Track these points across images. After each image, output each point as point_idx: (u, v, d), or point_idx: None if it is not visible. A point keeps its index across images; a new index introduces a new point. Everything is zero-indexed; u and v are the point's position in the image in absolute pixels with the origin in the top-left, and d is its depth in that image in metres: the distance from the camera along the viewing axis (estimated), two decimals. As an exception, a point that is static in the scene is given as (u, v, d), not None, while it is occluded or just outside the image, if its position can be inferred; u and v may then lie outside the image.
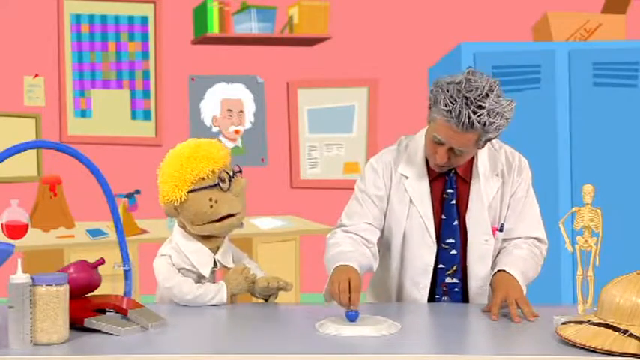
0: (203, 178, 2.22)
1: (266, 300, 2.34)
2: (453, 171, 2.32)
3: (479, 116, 2.09)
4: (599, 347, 1.65)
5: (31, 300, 1.75)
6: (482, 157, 2.34)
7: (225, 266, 2.36)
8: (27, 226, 4.02)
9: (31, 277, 1.76)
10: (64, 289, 1.80)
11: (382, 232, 2.37)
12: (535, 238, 2.36)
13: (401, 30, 5.49)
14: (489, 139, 2.20)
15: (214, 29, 5.38)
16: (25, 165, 5.16)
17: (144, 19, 5.55)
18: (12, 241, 3.28)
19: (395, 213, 2.35)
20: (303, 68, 5.54)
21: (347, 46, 5.51)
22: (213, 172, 2.23)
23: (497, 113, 2.11)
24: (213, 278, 2.35)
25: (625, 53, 3.90)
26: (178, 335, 1.92)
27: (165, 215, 2.33)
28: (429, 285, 2.34)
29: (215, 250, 2.34)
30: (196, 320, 2.09)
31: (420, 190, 2.33)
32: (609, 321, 1.69)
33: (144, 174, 5.15)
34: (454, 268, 2.34)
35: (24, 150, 2.02)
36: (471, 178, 2.34)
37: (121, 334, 1.85)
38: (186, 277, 2.28)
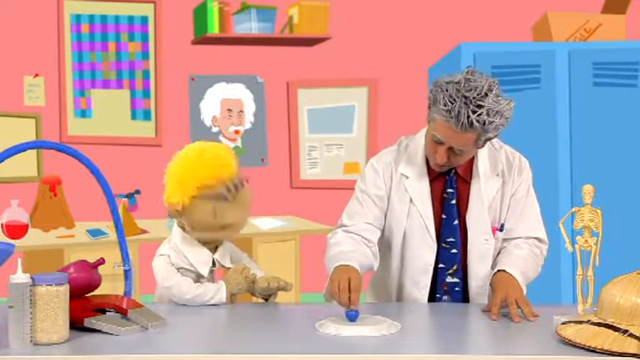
0: (208, 186, 2.21)
1: (266, 300, 2.34)
2: (453, 170, 2.32)
3: (478, 115, 2.09)
4: (599, 347, 1.65)
5: (31, 300, 1.75)
6: (483, 156, 2.34)
7: (223, 266, 2.36)
8: (27, 226, 4.02)
9: (31, 277, 1.76)
10: (64, 289, 1.80)
11: (382, 231, 2.37)
12: (535, 238, 2.36)
13: (401, 30, 5.49)
14: (489, 139, 2.20)
15: (214, 29, 5.38)
16: (25, 165, 5.16)
17: (144, 19, 5.55)
18: (12, 241, 3.28)
19: (395, 213, 2.35)
20: (303, 68, 5.54)
21: (347, 46, 5.51)
22: (218, 180, 2.22)
23: (497, 112, 2.12)
24: (212, 278, 2.36)
25: (625, 53, 3.90)
26: (178, 335, 1.92)
27: (167, 215, 2.33)
28: (429, 284, 2.34)
29: (214, 250, 2.34)
30: (196, 320, 2.09)
31: (420, 190, 2.33)
32: (609, 321, 1.69)
33: (144, 174, 5.18)
34: (454, 268, 2.34)
35: (24, 150, 2.02)
36: (471, 178, 2.34)
37: (121, 334, 1.85)
38: (185, 276, 2.28)
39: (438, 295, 2.36)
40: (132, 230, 4.32)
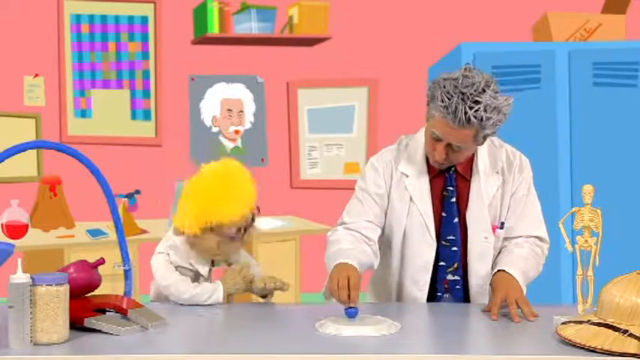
0: (221, 225, 2.23)
1: (264, 298, 2.34)
2: (452, 168, 2.33)
3: (475, 111, 2.10)
4: (599, 347, 1.65)
5: (31, 300, 1.75)
6: (483, 154, 2.34)
7: (223, 266, 2.36)
8: (27, 226, 4.03)
9: (31, 277, 1.76)
10: (64, 289, 1.80)
11: (383, 230, 2.38)
12: (536, 237, 2.36)
13: (401, 30, 5.49)
14: (487, 135, 2.20)
15: (214, 29, 5.37)
16: (25, 165, 5.15)
17: (144, 19, 5.55)
18: (12, 241, 3.28)
19: (395, 211, 2.35)
20: (303, 68, 5.54)
21: (347, 46, 5.51)
22: (232, 222, 2.24)
23: (494, 108, 2.12)
24: (211, 277, 2.36)
25: (625, 53, 3.90)
26: (178, 335, 1.92)
27: (172, 232, 2.34)
28: (428, 283, 2.35)
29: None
30: (196, 320, 2.09)
31: (420, 188, 2.33)
32: (609, 321, 1.69)
33: (144, 174, 5.19)
34: (455, 266, 2.34)
35: (24, 150, 2.02)
36: (471, 176, 2.34)
37: (121, 334, 1.85)
38: (183, 275, 2.29)
39: (439, 294, 2.37)
40: (132, 230, 4.32)
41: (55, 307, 1.77)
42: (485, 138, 2.22)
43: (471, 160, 2.34)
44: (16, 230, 3.96)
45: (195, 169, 2.35)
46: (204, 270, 2.31)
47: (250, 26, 5.39)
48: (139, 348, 1.77)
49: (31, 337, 1.75)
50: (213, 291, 2.25)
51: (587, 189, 1.92)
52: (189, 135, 5.42)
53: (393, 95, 5.45)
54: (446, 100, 2.11)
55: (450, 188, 2.33)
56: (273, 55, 5.55)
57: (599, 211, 1.92)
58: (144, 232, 4.47)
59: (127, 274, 2.21)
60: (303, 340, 1.84)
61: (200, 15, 5.43)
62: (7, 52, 5.34)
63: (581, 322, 1.75)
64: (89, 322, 1.88)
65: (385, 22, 5.51)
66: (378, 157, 2.41)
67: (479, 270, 2.33)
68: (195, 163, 5.11)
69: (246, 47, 5.51)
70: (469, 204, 2.33)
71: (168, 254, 2.30)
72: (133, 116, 5.52)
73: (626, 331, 1.66)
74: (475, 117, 2.10)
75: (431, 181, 2.34)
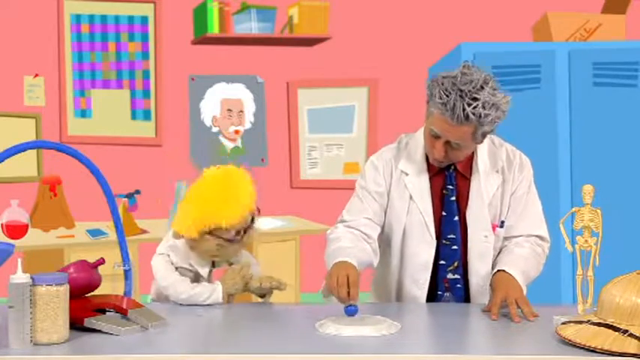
0: (220, 229, 2.22)
1: (262, 297, 2.34)
2: (452, 167, 2.33)
3: (473, 108, 2.10)
4: (599, 347, 1.65)
5: (31, 300, 1.75)
6: (482, 153, 2.35)
7: (224, 266, 2.36)
8: (27, 226, 4.02)
9: (31, 277, 1.76)
10: (64, 289, 1.80)
11: (382, 228, 2.38)
12: (537, 236, 2.36)
13: (401, 30, 5.49)
14: (486, 133, 2.20)
15: (214, 29, 5.37)
16: (25, 165, 5.15)
17: (144, 19, 5.55)
18: (12, 241, 3.28)
19: (395, 209, 2.36)
20: (303, 68, 5.54)
21: (347, 46, 5.51)
22: (231, 226, 2.23)
23: (492, 105, 2.13)
24: (211, 278, 2.36)
25: (625, 53, 3.90)
26: (178, 335, 1.92)
27: (172, 236, 2.34)
28: (428, 281, 2.35)
29: (214, 251, 2.35)
30: (196, 320, 2.09)
31: (420, 187, 2.34)
32: (609, 321, 1.69)
33: (144, 174, 5.19)
34: (455, 265, 2.34)
35: (24, 150, 2.02)
36: (471, 175, 2.34)
37: (121, 334, 1.85)
38: (183, 275, 2.29)
39: (439, 292, 2.37)
40: (132, 230, 4.32)
41: (55, 307, 1.77)
42: (484, 136, 2.22)
43: (470, 159, 2.34)
44: (16, 230, 3.96)
45: (196, 170, 2.35)
46: (204, 271, 2.31)
47: (250, 26, 5.39)
48: (139, 348, 1.77)
49: (31, 337, 1.75)
50: (212, 291, 2.25)
51: (587, 189, 1.92)
52: (189, 135, 5.42)
53: (393, 95, 5.45)
54: (444, 97, 2.12)
55: (450, 187, 2.33)
56: (273, 55, 5.55)
57: (599, 211, 1.92)
58: (144, 232, 4.47)
59: (127, 274, 2.21)
60: (303, 340, 1.84)
61: (200, 15, 5.44)
62: (7, 52, 5.34)
63: (581, 322, 1.75)
64: (89, 322, 1.88)
65: (385, 22, 5.51)
66: (378, 156, 2.42)
67: (479, 269, 2.34)
68: (195, 163, 5.12)
69: (246, 47, 5.51)
70: (469, 203, 2.33)
71: (169, 255, 2.30)
72: (133, 116, 5.52)
73: (626, 331, 1.66)
74: (473, 114, 2.11)
75: (431, 179, 2.35)
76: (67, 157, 2.12)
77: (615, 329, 1.67)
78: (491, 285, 2.23)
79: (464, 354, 1.77)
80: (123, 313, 1.92)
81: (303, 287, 4.76)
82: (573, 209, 1.95)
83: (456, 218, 2.33)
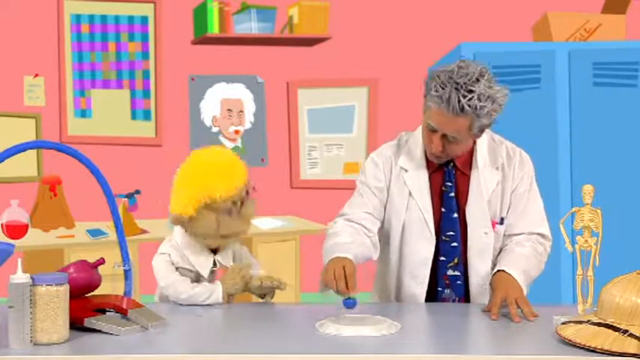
0: (216, 199, 2.21)
1: (262, 298, 2.34)
2: (451, 164, 2.33)
3: (469, 100, 2.12)
4: (599, 347, 1.65)
5: (31, 300, 1.75)
6: (482, 149, 2.35)
7: (225, 267, 2.36)
8: (27, 226, 4.02)
9: (31, 277, 1.76)
10: (64, 289, 1.80)
11: (382, 224, 2.38)
12: (539, 234, 2.36)
13: (401, 30, 5.49)
14: (483, 126, 2.21)
15: (214, 29, 5.37)
16: (25, 165, 5.15)
17: (144, 19, 5.55)
18: (12, 241, 3.28)
19: (394, 206, 2.37)
20: (303, 68, 5.54)
21: (347, 46, 5.50)
22: (227, 194, 2.22)
23: (489, 97, 2.14)
24: (213, 278, 2.35)
25: (625, 53, 3.90)
26: (178, 335, 1.92)
27: (169, 220, 2.34)
28: (427, 278, 2.35)
29: (215, 251, 2.34)
30: (196, 320, 2.09)
31: (419, 183, 2.34)
32: (609, 321, 1.69)
33: (144, 174, 5.19)
34: (455, 261, 2.35)
35: (24, 150, 2.02)
36: (470, 171, 2.35)
37: (121, 334, 1.85)
38: (184, 276, 2.28)
39: (439, 289, 2.37)
40: (132, 230, 4.32)
41: (55, 307, 1.77)
42: (481, 130, 2.22)
43: (470, 155, 2.35)
44: (16, 230, 3.96)
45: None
46: (205, 271, 2.31)
47: (250, 26, 5.39)
48: (139, 348, 1.77)
49: (31, 337, 1.75)
50: (212, 291, 2.25)
51: (587, 189, 1.92)
52: (189, 135, 5.42)
53: (393, 95, 5.45)
54: (440, 89, 2.14)
55: (449, 183, 2.34)
56: (273, 55, 5.55)
57: (599, 211, 1.92)
58: (144, 232, 4.47)
59: (127, 274, 2.21)
60: (303, 340, 1.84)
61: (200, 15, 5.43)
62: (7, 52, 5.34)
63: (581, 322, 1.75)
64: (89, 322, 1.88)
65: (385, 22, 5.51)
66: (378, 153, 2.44)
67: (479, 265, 2.34)
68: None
69: (246, 47, 5.51)
70: (468, 199, 2.34)
71: (170, 255, 2.30)
72: (133, 116, 5.52)
73: (626, 331, 1.66)
74: (469, 105, 2.12)
75: (430, 176, 2.35)
76: (67, 157, 2.12)
77: (615, 329, 1.67)
78: (491, 285, 2.23)
79: (464, 354, 1.77)
80: (123, 313, 1.92)
81: (303, 287, 4.76)
82: (573, 209, 1.95)
83: (455, 215, 2.33)
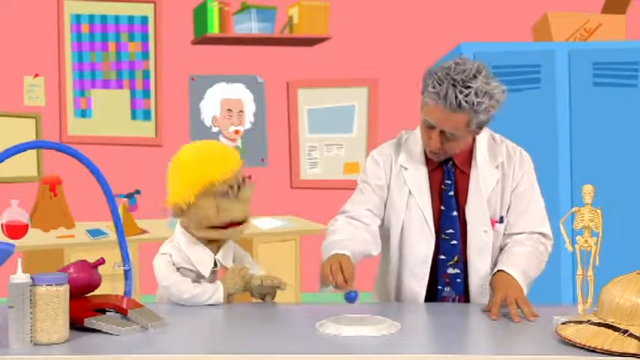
0: (213, 183, 2.22)
1: (263, 299, 2.34)
2: (451, 162, 2.33)
3: (465, 96, 2.12)
4: (599, 347, 1.65)
5: (31, 300, 1.75)
6: (482, 148, 2.35)
7: (225, 267, 2.36)
8: (27, 226, 4.02)
9: (31, 277, 1.76)
10: (64, 289, 1.80)
11: (382, 221, 2.39)
12: (540, 233, 2.36)
13: (401, 30, 5.49)
14: (481, 122, 2.21)
15: (214, 29, 5.38)
16: (25, 165, 5.16)
17: (144, 19, 5.55)
18: (12, 241, 3.28)
19: (394, 204, 2.37)
20: (303, 68, 5.55)
21: (347, 46, 5.51)
22: (223, 177, 2.23)
23: (486, 93, 2.15)
24: (214, 278, 2.35)
25: (625, 53, 3.90)
26: (178, 335, 1.92)
27: (171, 214, 2.33)
28: (427, 276, 2.35)
29: (216, 251, 2.34)
30: (196, 320, 2.09)
31: (419, 181, 2.35)
32: (609, 321, 1.69)
33: (144, 174, 5.19)
34: (455, 259, 2.35)
35: (24, 150, 2.02)
36: (470, 170, 2.35)
37: (121, 334, 1.85)
38: (185, 276, 2.28)
39: (439, 287, 2.37)
40: (132, 230, 4.32)
41: (55, 307, 1.77)
42: (480, 126, 2.23)
43: (469, 154, 2.35)
44: (16, 230, 3.96)
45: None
46: (206, 271, 2.31)
47: (250, 26, 5.39)
48: (139, 348, 1.77)
49: (31, 337, 1.75)
50: (214, 291, 2.25)
51: (587, 189, 1.92)
52: (189, 135, 5.42)
53: (393, 95, 5.46)
54: (437, 86, 2.15)
55: (448, 182, 2.34)
56: (273, 55, 5.55)
57: (599, 211, 1.92)
58: (144, 232, 4.47)
59: (127, 274, 2.21)
60: (303, 340, 1.84)
61: (200, 15, 5.44)
62: (7, 52, 5.35)
63: (581, 322, 1.75)
64: (89, 322, 1.88)
65: (385, 22, 5.52)
66: (378, 151, 2.45)
67: (478, 263, 2.34)
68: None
69: (246, 47, 5.51)
70: (468, 198, 2.34)
71: (171, 255, 2.30)
72: (133, 116, 5.53)
73: (626, 331, 1.66)
74: (466, 101, 2.12)
75: (429, 174, 2.36)
76: (67, 157, 2.12)
77: (615, 329, 1.67)
78: (491, 285, 2.23)
79: (464, 354, 1.77)
80: (123, 313, 1.92)
81: (303, 287, 4.76)
82: (573, 209, 1.95)
83: (455, 213, 2.33)
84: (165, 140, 5.41)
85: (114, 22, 5.53)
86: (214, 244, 2.33)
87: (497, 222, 2.35)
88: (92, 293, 2.00)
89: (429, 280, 2.36)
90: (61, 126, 5.42)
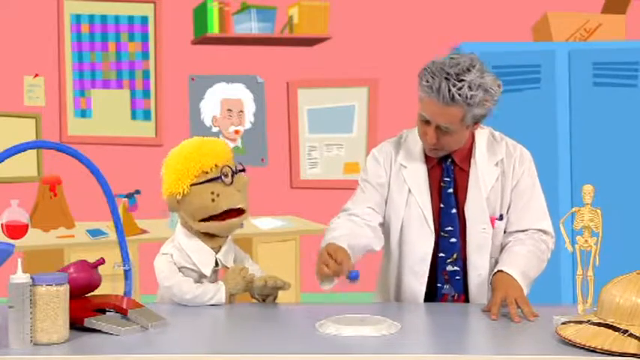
0: (206, 172, 2.23)
1: (264, 300, 2.33)
2: (449, 159, 2.33)
3: (459, 89, 2.13)
4: (599, 347, 1.65)
5: (31, 300, 1.75)
6: (481, 145, 2.36)
7: (226, 266, 2.36)
8: (27, 226, 4.02)
9: (31, 277, 1.76)
10: (64, 289, 1.80)
11: (383, 219, 2.39)
12: (540, 230, 2.36)
13: (401, 30, 5.49)
14: (477, 116, 2.21)
15: (214, 29, 5.38)
16: (25, 165, 5.16)
17: (144, 19, 5.55)
18: (12, 241, 3.28)
19: (394, 202, 2.38)
20: (303, 68, 5.54)
21: (347, 46, 5.51)
22: (216, 165, 2.24)
23: (479, 86, 2.15)
24: (215, 278, 2.35)
25: (625, 53, 3.90)
26: (178, 335, 1.92)
27: (168, 210, 2.33)
28: (427, 273, 2.36)
29: (217, 250, 2.34)
30: (196, 320, 2.09)
31: (418, 179, 2.35)
32: (609, 321, 1.69)
33: (144, 174, 5.17)
34: (454, 257, 2.35)
35: (24, 150, 2.02)
36: (469, 167, 2.35)
37: (121, 334, 1.85)
38: (186, 276, 2.28)
39: (439, 285, 2.37)
40: (132, 230, 4.32)
41: (55, 307, 1.77)
42: (476, 121, 2.23)
43: (469, 151, 2.36)
44: (16, 230, 3.96)
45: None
46: (207, 270, 2.31)
47: (250, 26, 5.39)
48: (139, 348, 1.77)
49: (31, 337, 1.75)
50: (216, 291, 2.24)
51: (587, 189, 1.92)
52: (189, 135, 5.40)
53: (393, 95, 5.45)
54: (430, 79, 2.16)
55: (447, 179, 2.35)
56: (273, 55, 5.55)
57: (599, 211, 1.92)
58: (144, 232, 4.47)
59: (127, 274, 2.21)
60: (303, 340, 1.84)
61: (200, 15, 5.44)
62: (7, 52, 5.35)
63: (581, 322, 1.75)
64: (89, 322, 1.88)
65: (385, 22, 5.52)
66: (379, 149, 2.46)
67: (477, 261, 2.34)
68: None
69: (246, 47, 5.51)
70: (467, 195, 2.34)
71: (172, 255, 2.30)
72: (133, 116, 5.53)
73: (626, 331, 1.66)
74: (459, 94, 2.13)
75: (429, 172, 2.36)
76: (67, 157, 2.12)
77: (615, 329, 1.67)
78: (491, 285, 2.23)
79: (464, 354, 1.77)
80: (123, 313, 1.92)
81: (303, 287, 4.75)
82: (573, 209, 1.95)
83: (454, 211, 2.34)
84: (165, 140, 5.41)
85: (114, 22, 5.53)
86: (215, 244, 2.33)
87: (496, 219, 2.35)
88: (92, 293, 2.00)
89: (429, 278, 2.36)
90: (61, 126, 5.42)
